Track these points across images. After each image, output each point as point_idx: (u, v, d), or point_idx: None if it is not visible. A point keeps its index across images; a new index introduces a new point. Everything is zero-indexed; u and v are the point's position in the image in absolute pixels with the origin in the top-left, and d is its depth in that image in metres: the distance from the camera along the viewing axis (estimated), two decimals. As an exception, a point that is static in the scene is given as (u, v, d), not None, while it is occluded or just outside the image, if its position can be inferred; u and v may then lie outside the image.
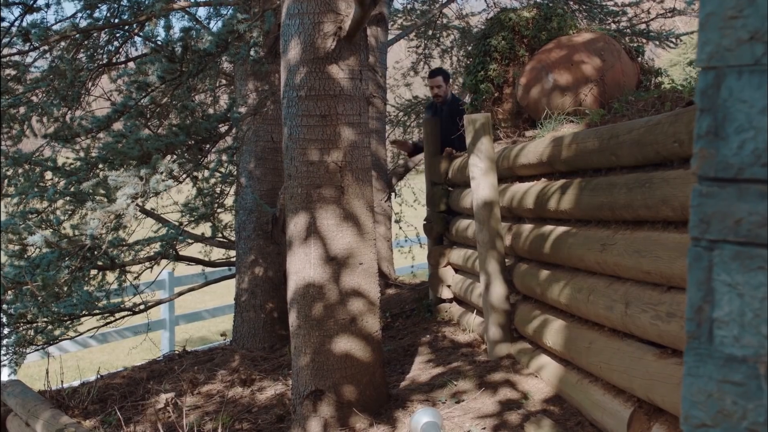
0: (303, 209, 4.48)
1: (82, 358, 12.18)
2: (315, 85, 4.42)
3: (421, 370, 5.53)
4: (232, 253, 8.04)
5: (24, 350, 6.32)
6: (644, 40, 10.57)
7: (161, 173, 4.58)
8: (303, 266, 4.50)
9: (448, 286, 7.15)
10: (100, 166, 4.92)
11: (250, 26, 5.04)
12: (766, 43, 1.46)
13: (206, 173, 6.12)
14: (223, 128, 5.56)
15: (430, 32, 12.03)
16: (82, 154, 5.68)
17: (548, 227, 4.83)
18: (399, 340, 6.57)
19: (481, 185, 5.30)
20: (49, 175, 6.29)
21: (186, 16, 7.11)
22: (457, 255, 6.91)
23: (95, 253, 5.39)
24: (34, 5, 4.95)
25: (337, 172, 4.45)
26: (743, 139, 1.49)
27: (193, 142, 5.05)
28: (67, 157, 6.54)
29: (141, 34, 6.58)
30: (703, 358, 1.55)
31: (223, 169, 6.31)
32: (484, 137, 5.31)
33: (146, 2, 6.54)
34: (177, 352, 7.49)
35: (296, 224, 4.53)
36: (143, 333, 10.42)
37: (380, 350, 4.76)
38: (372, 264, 4.63)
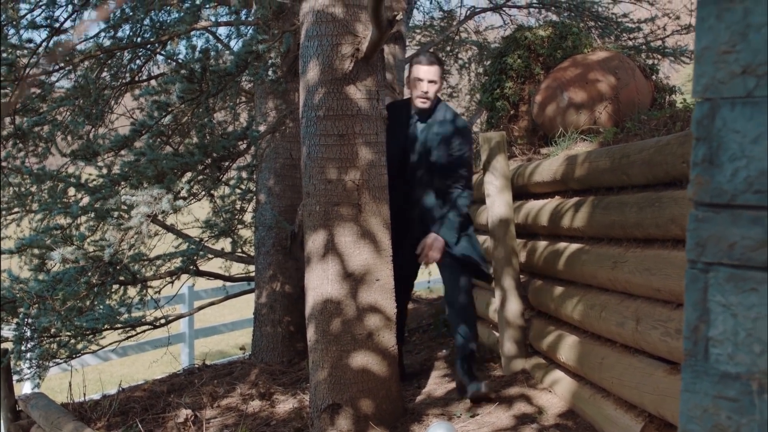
0: (321, 226, 4.58)
1: (103, 371, 12.32)
2: (333, 105, 4.53)
3: (437, 384, 5.61)
4: (252, 267, 8.15)
5: (47, 363, 6.44)
6: (660, 57, 10.65)
7: (174, 193, 4.70)
8: (321, 282, 4.60)
9: (464, 302, 7.22)
10: (122, 183, 5.04)
11: (269, 47, 5.16)
12: (758, 77, 1.54)
13: (226, 190, 6.23)
14: (242, 146, 5.68)
15: (448, 48, 12.13)
16: (105, 171, 5.81)
17: (562, 244, 4.91)
18: (416, 354, 6.66)
19: (497, 203, 5.39)
20: (72, 191, 6.42)
21: (207, 35, 7.26)
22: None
23: (117, 268, 5.51)
24: (60, 28, 5.09)
25: (354, 191, 4.55)
26: (736, 167, 1.57)
27: (210, 160, 5.16)
28: (90, 174, 6.68)
29: (163, 53, 6.72)
30: (700, 375, 1.63)
31: (243, 186, 6.43)
32: (500, 155, 5.40)
33: (168, 21, 6.69)
34: (197, 365, 7.60)
35: (314, 241, 4.63)
36: (163, 347, 10.57)
37: (396, 365, 4.85)
38: (389, 280, 4.73)
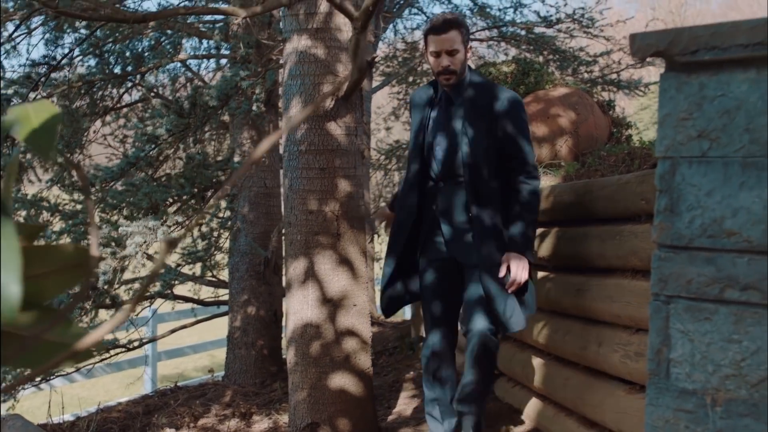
0: (302, 254, 4.84)
1: (65, 392, 12.34)
2: (315, 141, 4.80)
3: (407, 404, 5.87)
4: (221, 291, 8.35)
5: (22, 385, 6.57)
6: (615, 89, 11.05)
7: (170, 225, 4.94)
8: (301, 307, 4.85)
9: (430, 325, 7.50)
10: (114, 212, 5.26)
11: (254, 83, 5.43)
12: (711, 140, 1.85)
13: (206, 218, 6.45)
14: (223, 176, 5.92)
15: (411, 79, 12.43)
16: (93, 198, 5.99)
17: (527, 272, 5.21)
18: (384, 376, 6.90)
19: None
20: (45, 214, 6.57)
21: (183, 68, 7.49)
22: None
23: (99, 293, 5.71)
24: (58, 65, 5.32)
25: (334, 221, 4.82)
26: (693, 215, 1.87)
27: (196, 190, 5.42)
28: (64, 199, 6.84)
29: (143, 84, 6.94)
30: (662, 391, 1.92)
31: (222, 215, 6.66)
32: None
33: (145, 49, 6.91)
34: (169, 387, 7.76)
35: (295, 268, 4.88)
36: (125, 369, 10.69)
37: (371, 386, 5.11)
38: (365, 305, 4.99)
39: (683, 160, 1.90)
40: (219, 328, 11.65)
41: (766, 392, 1.75)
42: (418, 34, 12.14)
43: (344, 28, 4.80)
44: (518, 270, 3.83)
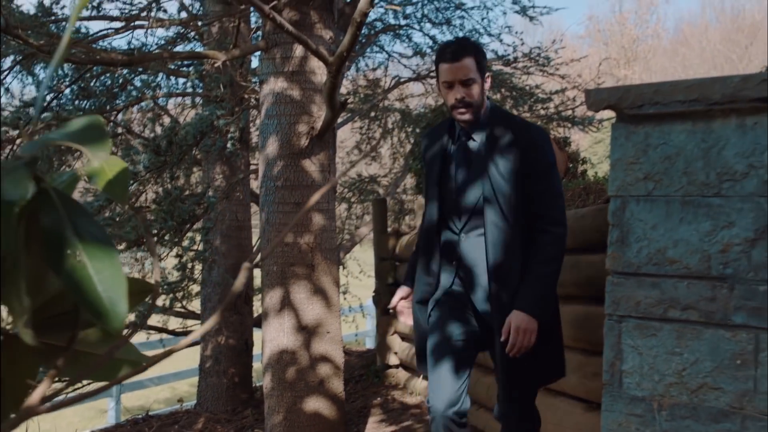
0: (278, 284, 5.10)
1: (29, 425, 12.36)
2: (290, 177, 5.08)
3: (375, 428, 6.12)
4: (189, 322, 8.55)
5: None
6: (570, 125, 11.46)
7: (156, 257, 5.16)
8: (278, 334, 5.10)
9: (395, 353, 7.77)
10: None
11: (228, 122, 5.71)
12: (655, 182, 2.16)
13: (181, 251, 6.68)
14: (198, 210, 6.17)
15: (373, 114, 12.73)
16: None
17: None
18: (351, 402, 7.14)
19: (430, 262, 5.97)
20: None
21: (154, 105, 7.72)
22: (404, 324, 7.53)
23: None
24: (48, 107, 5.54)
25: (308, 252, 5.09)
26: (640, 246, 2.18)
27: (176, 223, 5.67)
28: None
29: (117, 120, 7.17)
30: (616, 399, 2.22)
31: (196, 247, 6.89)
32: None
33: (116, 85, 7.15)
34: (141, 416, 7.93)
35: (271, 297, 5.14)
36: (88, 401, 10.76)
37: (344, 409, 5.36)
38: (338, 332, 5.26)
39: (632, 198, 2.21)
40: (181, 360, 11.81)
41: (704, 397, 2.05)
42: (380, 72, 12.41)
43: (318, 71, 5.10)
44: (519, 334, 3.19)
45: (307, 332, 5.09)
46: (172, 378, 12.07)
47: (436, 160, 3.52)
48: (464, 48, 3.37)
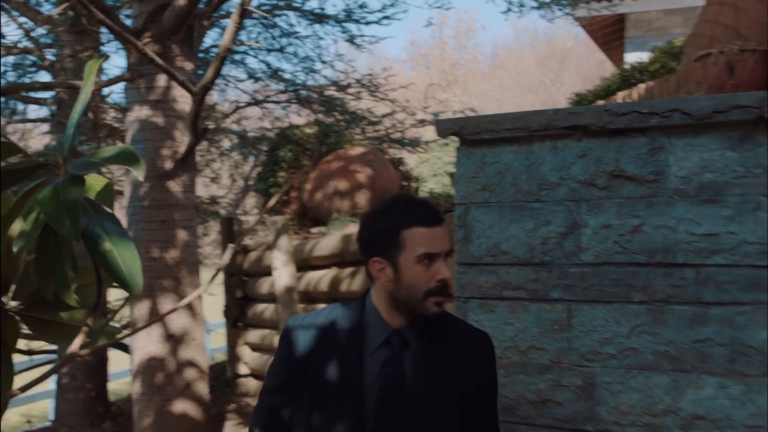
0: (146, 296, 5.48)
1: None
2: (156, 197, 5.49)
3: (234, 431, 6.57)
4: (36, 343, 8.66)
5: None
6: (400, 146, 12.18)
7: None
8: (146, 343, 5.48)
9: (246, 363, 8.22)
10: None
11: (91, 148, 6.03)
12: (491, 192, 2.77)
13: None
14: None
15: (210, 136, 13.05)
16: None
17: (340, 306, 6.09)
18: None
19: (283, 274, 6.49)
20: None
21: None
22: (254, 335, 8.01)
23: None
24: None
25: (174, 266, 5.51)
26: (480, 242, 2.79)
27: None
28: None
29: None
30: (465, 361, 2.81)
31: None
32: (284, 235, 6.52)
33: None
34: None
35: (140, 309, 5.52)
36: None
37: (209, 410, 5.79)
38: (202, 340, 5.69)
39: (473, 205, 2.83)
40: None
41: (531, 356, 2.68)
42: (216, 96, 12.71)
43: (180, 99, 5.54)
44: None
45: (174, 340, 5.49)
46: (22, 401, 11.92)
47: (340, 362, 2.17)
48: (438, 209, 2.19)
